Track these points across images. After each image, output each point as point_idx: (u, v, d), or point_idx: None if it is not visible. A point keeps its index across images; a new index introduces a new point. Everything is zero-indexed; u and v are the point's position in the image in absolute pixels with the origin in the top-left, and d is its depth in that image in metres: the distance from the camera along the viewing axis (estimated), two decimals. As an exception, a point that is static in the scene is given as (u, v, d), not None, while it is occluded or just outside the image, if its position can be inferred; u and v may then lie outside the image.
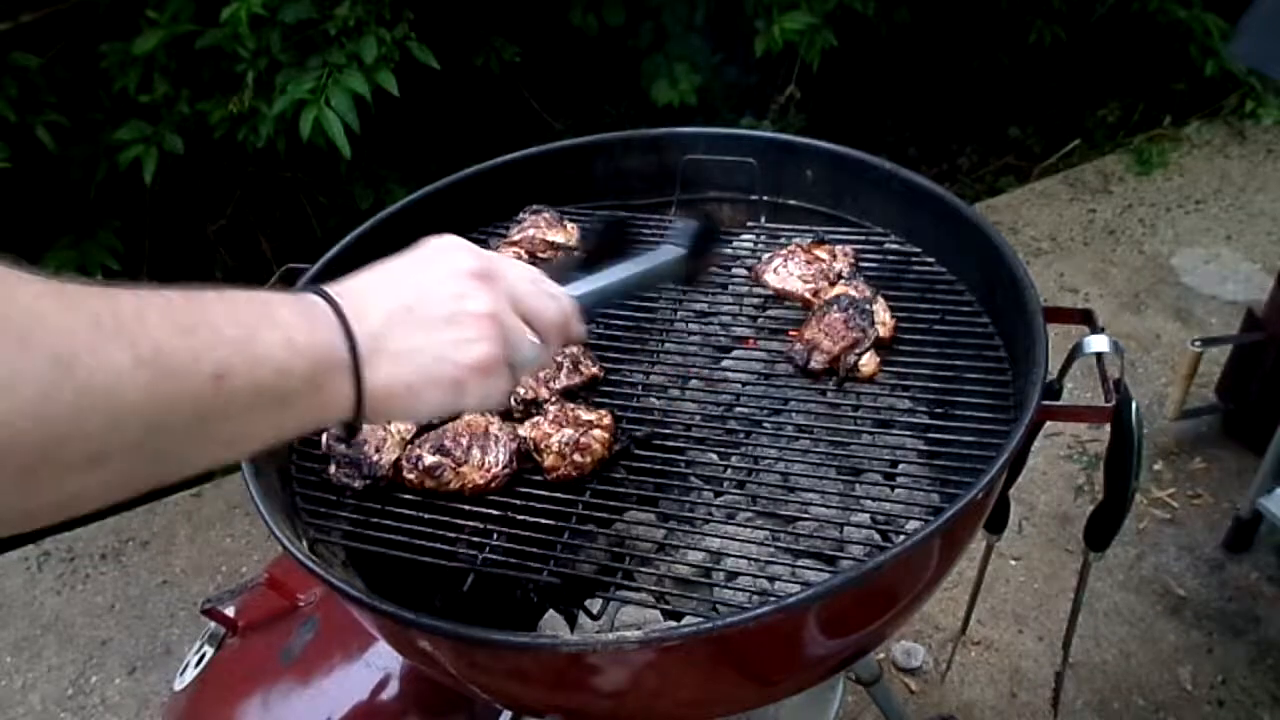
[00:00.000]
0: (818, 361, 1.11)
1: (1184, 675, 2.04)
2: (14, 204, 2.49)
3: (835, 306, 1.13)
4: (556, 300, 0.80)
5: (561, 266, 0.92)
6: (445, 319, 0.70)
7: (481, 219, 1.43)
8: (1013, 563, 2.29)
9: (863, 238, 1.32)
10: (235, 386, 0.57)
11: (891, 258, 1.30)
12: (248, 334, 0.59)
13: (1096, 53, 3.83)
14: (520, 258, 1.25)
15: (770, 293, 1.25)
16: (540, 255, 1.27)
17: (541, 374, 1.12)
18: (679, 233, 0.99)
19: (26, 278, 0.50)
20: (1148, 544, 2.31)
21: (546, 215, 1.31)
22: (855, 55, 3.14)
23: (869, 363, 1.11)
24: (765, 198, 1.39)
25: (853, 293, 1.15)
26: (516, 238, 1.29)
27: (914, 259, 1.28)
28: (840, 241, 1.29)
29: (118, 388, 0.51)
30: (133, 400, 0.52)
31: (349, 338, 0.65)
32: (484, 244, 1.39)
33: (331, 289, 0.68)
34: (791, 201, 1.40)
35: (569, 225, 1.31)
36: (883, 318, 1.14)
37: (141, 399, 0.52)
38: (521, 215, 1.33)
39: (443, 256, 0.74)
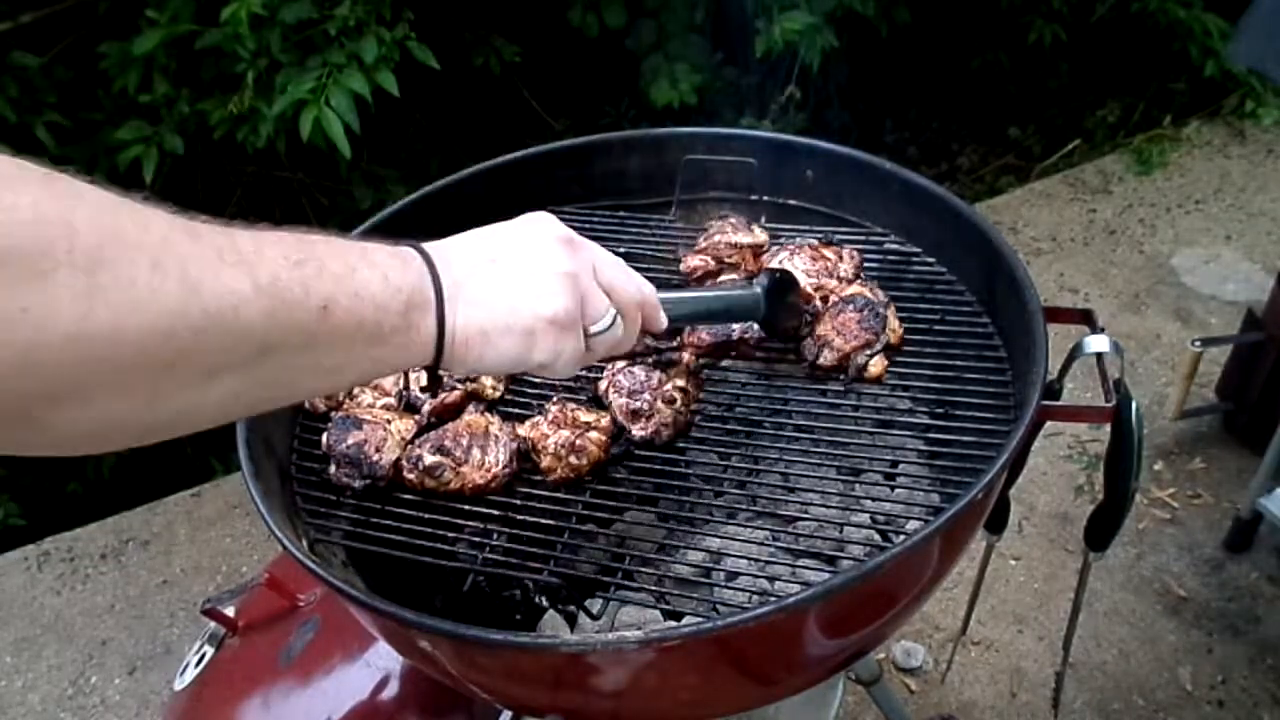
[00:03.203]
0: (827, 358, 1.11)
1: (1184, 675, 2.04)
2: (14, 204, 2.48)
3: (851, 306, 1.13)
4: (637, 281, 0.83)
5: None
6: (526, 272, 0.74)
7: (481, 219, 1.42)
8: (1013, 563, 2.29)
9: (863, 238, 1.32)
10: (339, 318, 0.61)
11: (891, 258, 1.29)
12: (350, 271, 0.63)
13: (1096, 53, 3.83)
14: (707, 263, 1.26)
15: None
16: (727, 260, 1.26)
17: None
18: (760, 279, 1.04)
19: (160, 213, 0.54)
20: (1148, 544, 2.31)
21: (734, 220, 1.30)
22: (855, 55, 3.14)
23: (877, 364, 1.11)
24: (765, 198, 1.39)
25: (869, 294, 1.15)
26: (704, 244, 1.28)
27: (914, 259, 1.28)
28: (840, 241, 1.29)
29: (239, 310, 0.55)
30: (250, 323, 0.56)
31: (435, 280, 0.69)
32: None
33: (423, 244, 0.72)
34: (791, 201, 1.40)
35: (757, 229, 1.29)
36: (894, 325, 1.14)
37: (258, 322, 0.56)
38: (708, 224, 1.32)
39: (532, 224, 0.79)
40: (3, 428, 0.49)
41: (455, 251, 0.73)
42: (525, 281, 0.74)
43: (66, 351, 0.47)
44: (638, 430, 1.06)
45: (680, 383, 1.09)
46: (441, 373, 0.74)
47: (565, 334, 0.76)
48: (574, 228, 1.40)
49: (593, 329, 0.78)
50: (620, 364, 1.12)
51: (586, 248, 0.80)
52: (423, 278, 0.69)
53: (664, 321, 0.88)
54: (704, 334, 1.16)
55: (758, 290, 1.02)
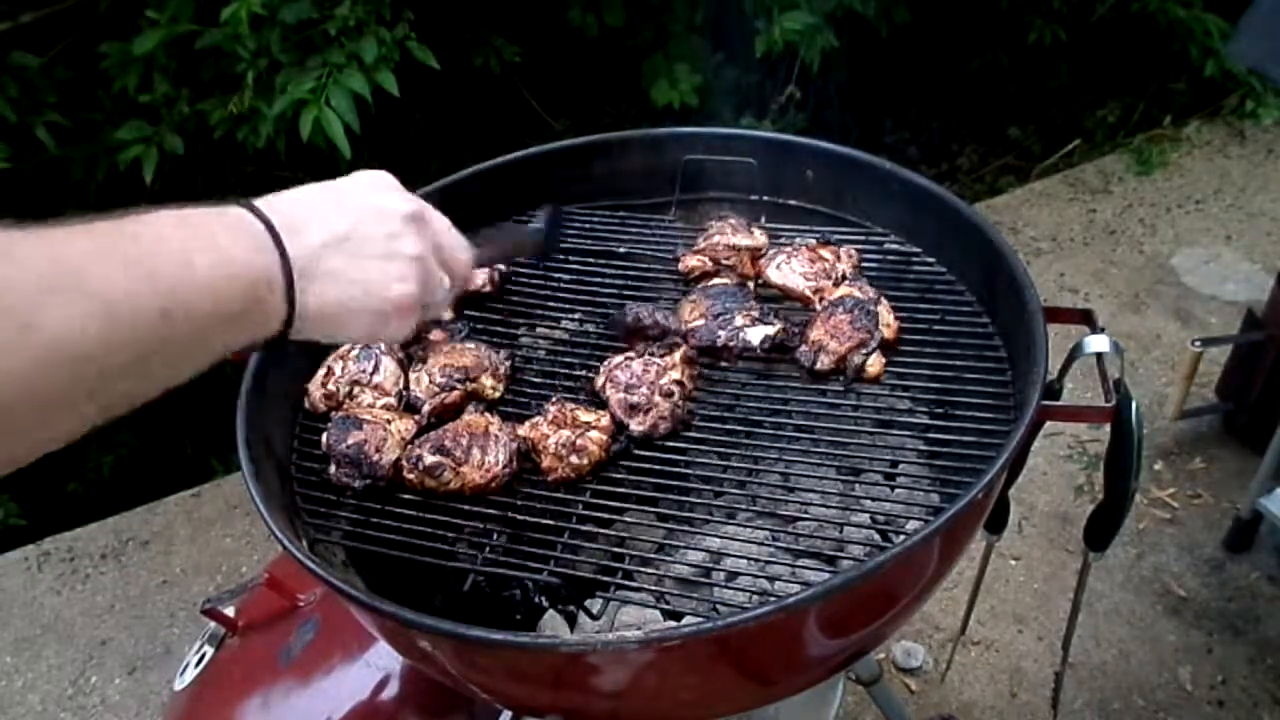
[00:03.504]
0: (824, 362, 1.11)
1: (1184, 675, 2.04)
2: (14, 204, 2.49)
3: (840, 308, 1.13)
4: (466, 254, 0.89)
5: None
6: (379, 255, 0.75)
7: (482, 219, 1.43)
8: (1013, 563, 2.29)
9: (863, 238, 1.32)
10: (181, 318, 0.60)
11: (891, 258, 1.29)
12: (187, 261, 0.61)
13: (1096, 53, 3.83)
14: (704, 264, 1.26)
15: (773, 290, 1.25)
16: (724, 261, 1.26)
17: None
18: (540, 216, 1.18)
19: None
20: (1148, 544, 2.31)
21: (734, 221, 1.30)
22: (855, 55, 3.14)
23: (875, 363, 1.11)
24: (765, 198, 1.39)
25: (857, 294, 1.15)
26: (702, 245, 1.29)
27: (914, 259, 1.28)
28: (840, 241, 1.29)
29: (76, 340, 0.53)
30: (88, 350, 0.54)
31: (283, 256, 0.68)
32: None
33: (261, 204, 0.70)
34: (791, 201, 1.40)
35: (756, 231, 1.30)
36: (887, 319, 1.15)
37: (96, 347, 0.54)
38: (708, 225, 1.32)
39: (378, 193, 0.79)
40: None
41: (303, 219, 0.71)
42: (380, 266, 0.75)
43: None
44: (635, 424, 1.06)
45: (677, 375, 1.09)
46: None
47: (410, 314, 0.80)
48: (574, 228, 1.42)
49: (431, 302, 0.83)
50: (617, 359, 1.13)
51: (430, 224, 0.82)
52: (268, 254, 0.67)
53: (475, 279, 0.99)
54: (690, 340, 1.16)
55: (539, 225, 1.17)
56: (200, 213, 0.65)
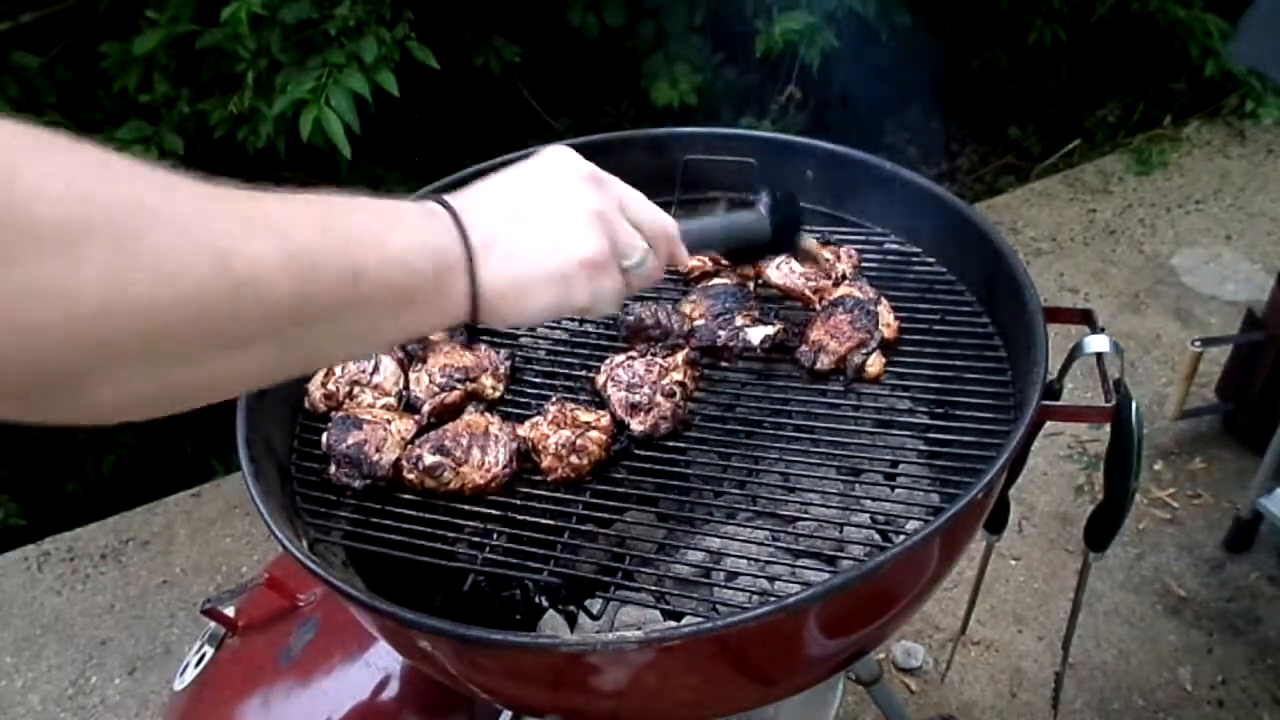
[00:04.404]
0: (824, 362, 1.11)
1: (1184, 675, 2.04)
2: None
3: (840, 308, 1.13)
4: (662, 215, 0.84)
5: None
6: (554, 217, 0.74)
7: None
8: (1013, 563, 2.29)
9: (863, 238, 1.32)
10: (370, 283, 0.61)
11: (891, 258, 1.30)
12: (379, 235, 0.63)
13: (1096, 53, 3.83)
14: (704, 264, 1.27)
15: (773, 290, 1.25)
16: (724, 261, 1.26)
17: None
18: (762, 199, 1.06)
19: (188, 182, 0.53)
20: (1148, 544, 2.31)
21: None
22: (855, 55, 3.14)
23: (875, 363, 1.11)
24: (765, 198, 1.39)
25: (857, 294, 1.15)
26: None
27: (914, 259, 1.29)
28: (840, 241, 1.29)
29: (269, 281, 0.55)
30: (280, 294, 0.55)
31: (464, 238, 0.69)
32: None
33: (449, 198, 0.72)
34: (791, 201, 1.40)
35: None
36: (887, 319, 1.15)
37: (288, 292, 0.56)
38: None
39: (553, 163, 0.78)
40: (49, 397, 0.49)
41: (482, 204, 0.72)
42: (555, 227, 0.73)
43: (100, 323, 0.47)
44: (636, 424, 1.06)
45: (679, 376, 1.09)
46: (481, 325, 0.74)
47: (601, 273, 0.76)
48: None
49: (625, 264, 0.78)
50: (619, 358, 1.13)
51: (611, 183, 0.80)
52: (452, 236, 0.69)
53: (685, 255, 0.89)
54: (691, 340, 1.16)
55: (761, 211, 1.05)
56: (399, 200, 0.68)
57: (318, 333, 0.60)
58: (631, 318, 1.18)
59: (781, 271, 1.23)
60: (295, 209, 0.59)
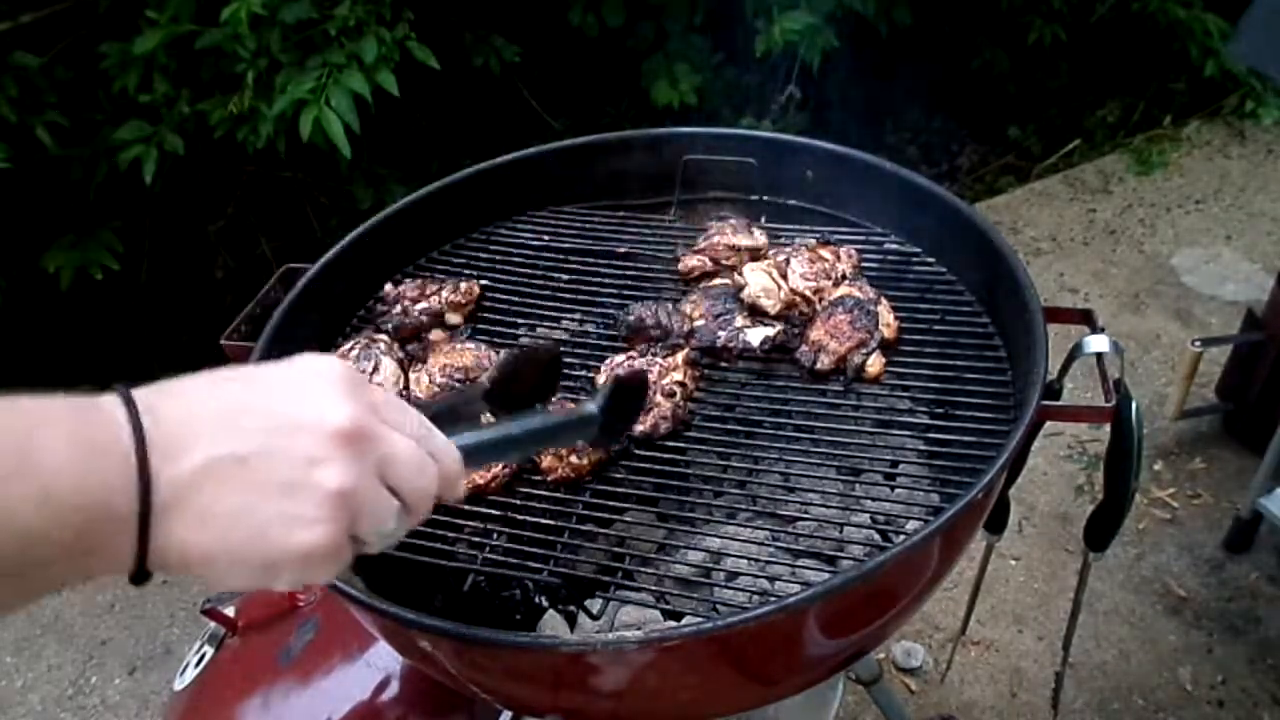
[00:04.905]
0: (824, 362, 1.11)
1: (1184, 675, 2.04)
2: (14, 204, 2.49)
3: (840, 308, 1.13)
4: (437, 464, 0.62)
5: (468, 398, 0.83)
6: (283, 486, 0.53)
7: (482, 219, 1.43)
8: (1013, 563, 2.29)
9: (863, 238, 1.32)
10: None
11: (891, 258, 1.30)
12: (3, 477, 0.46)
13: (1096, 53, 3.83)
14: (704, 264, 1.26)
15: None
16: (724, 262, 1.26)
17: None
18: (600, 390, 0.85)
19: None
20: (1148, 544, 2.31)
21: (734, 222, 1.29)
22: (855, 55, 3.14)
23: (875, 363, 1.11)
24: (765, 198, 1.39)
25: (857, 294, 1.15)
26: (702, 245, 1.28)
27: (914, 259, 1.29)
28: (840, 242, 1.29)
29: None
30: None
31: (144, 484, 0.50)
32: (483, 251, 1.39)
33: (146, 402, 0.52)
34: (791, 201, 1.40)
35: (756, 232, 1.29)
36: (887, 319, 1.15)
37: None
38: (708, 224, 1.32)
39: (310, 397, 0.56)
40: None
41: (190, 434, 0.52)
42: (280, 501, 0.53)
43: None
44: (636, 424, 1.06)
45: (679, 376, 1.09)
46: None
47: (322, 564, 0.56)
48: (574, 228, 1.42)
49: (373, 535, 0.58)
50: (619, 358, 1.12)
51: (377, 440, 0.57)
52: (121, 479, 0.50)
53: (462, 492, 0.68)
54: (691, 340, 1.16)
55: (592, 408, 0.82)
56: (50, 406, 0.50)
57: None
58: (632, 318, 1.18)
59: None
60: None
